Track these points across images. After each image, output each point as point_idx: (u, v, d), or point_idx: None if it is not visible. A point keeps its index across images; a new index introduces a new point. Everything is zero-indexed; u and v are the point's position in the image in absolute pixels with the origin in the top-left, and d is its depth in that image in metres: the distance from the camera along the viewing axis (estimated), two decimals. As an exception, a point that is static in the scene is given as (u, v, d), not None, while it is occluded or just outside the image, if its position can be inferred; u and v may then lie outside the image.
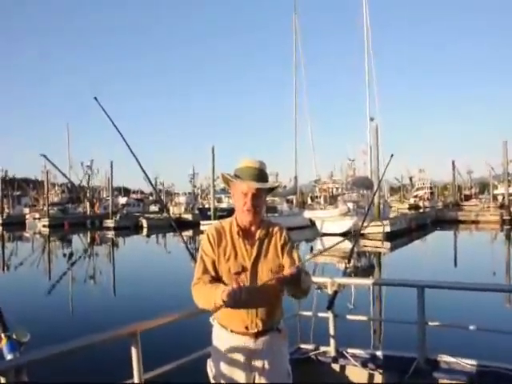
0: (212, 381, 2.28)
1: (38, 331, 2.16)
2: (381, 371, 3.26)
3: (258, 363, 2.22)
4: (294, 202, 44.94)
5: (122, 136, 3.22)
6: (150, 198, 72.84)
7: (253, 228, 2.30)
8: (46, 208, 47.61)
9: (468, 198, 65.38)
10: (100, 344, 2.29)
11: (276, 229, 2.35)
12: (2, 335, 1.90)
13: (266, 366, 2.23)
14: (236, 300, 1.97)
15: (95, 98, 3.16)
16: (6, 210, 56.24)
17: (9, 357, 1.87)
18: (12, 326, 1.95)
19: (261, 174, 2.27)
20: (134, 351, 2.34)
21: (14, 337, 1.91)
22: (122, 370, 2.45)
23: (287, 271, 2.10)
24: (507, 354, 4.12)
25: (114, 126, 3.21)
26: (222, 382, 2.23)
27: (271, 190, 2.37)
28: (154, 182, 63.71)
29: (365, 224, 23.55)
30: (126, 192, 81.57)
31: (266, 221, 2.39)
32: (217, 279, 2.23)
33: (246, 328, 2.20)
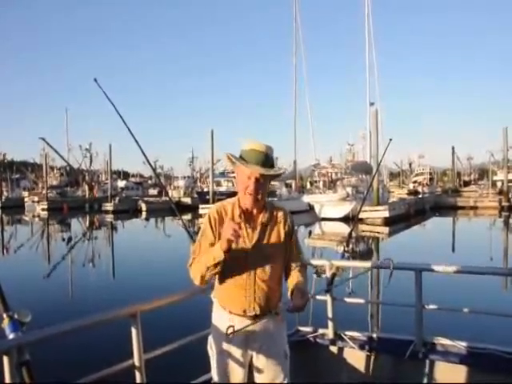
0: (212, 358, 2.32)
1: (37, 313, 2.17)
2: (378, 353, 3.30)
3: (255, 345, 2.25)
4: (293, 186, 44.98)
5: (121, 118, 3.20)
6: (149, 181, 72.78)
7: (255, 211, 2.27)
8: (44, 191, 47.57)
9: (467, 184, 65.36)
10: (101, 324, 2.32)
11: (280, 214, 2.32)
12: (4, 315, 1.92)
13: (263, 347, 2.26)
14: (237, 235, 1.99)
15: (95, 80, 3.13)
16: (5, 193, 56.24)
17: (11, 336, 1.88)
18: (13, 306, 1.97)
19: (266, 159, 2.18)
20: (134, 332, 2.36)
21: (16, 317, 1.92)
22: (123, 350, 2.48)
23: (297, 301, 2.15)
24: (503, 337, 4.17)
25: (114, 107, 3.18)
26: (221, 360, 2.26)
27: (275, 176, 2.30)
28: (153, 166, 63.69)
29: (363, 208, 23.68)
30: (125, 175, 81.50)
31: (269, 204, 2.34)
32: None
33: (244, 311, 2.22)
